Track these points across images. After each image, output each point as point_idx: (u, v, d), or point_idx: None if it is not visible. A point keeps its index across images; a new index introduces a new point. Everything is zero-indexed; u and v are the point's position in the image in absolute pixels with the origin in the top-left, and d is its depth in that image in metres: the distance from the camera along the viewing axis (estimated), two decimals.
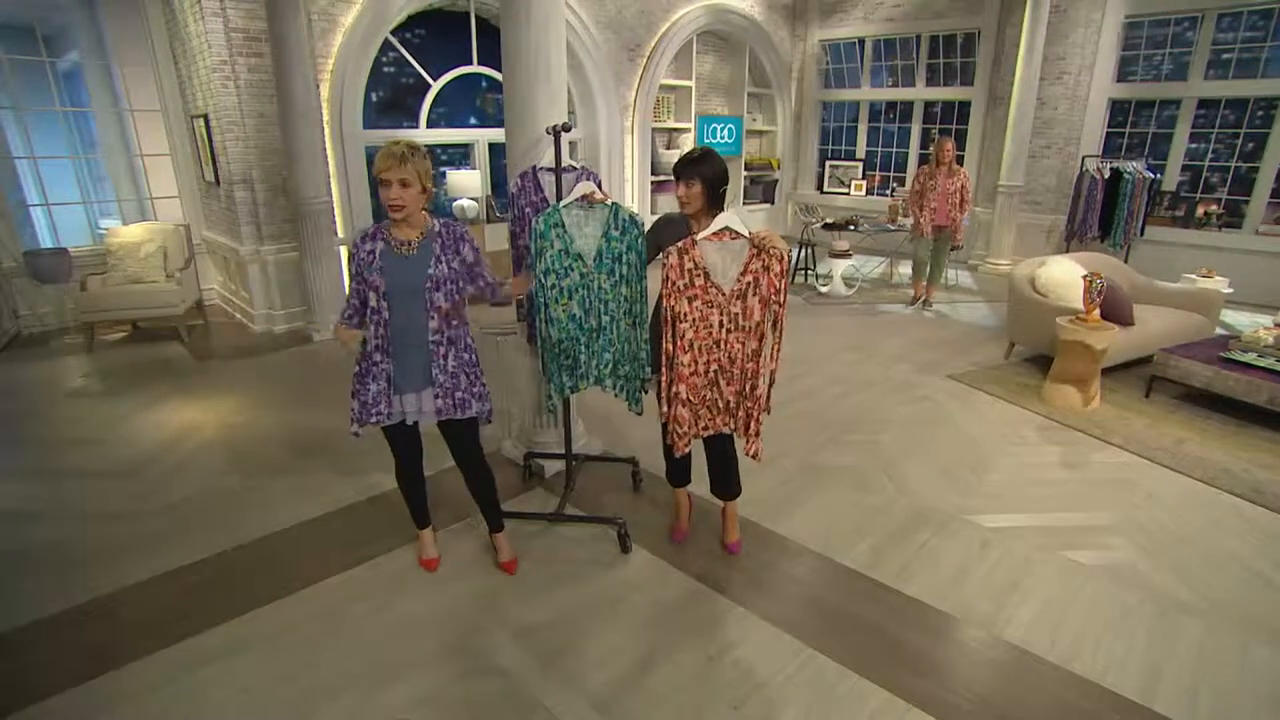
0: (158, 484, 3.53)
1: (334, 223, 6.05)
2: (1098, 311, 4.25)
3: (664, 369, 2.54)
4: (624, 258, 2.60)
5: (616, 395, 2.83)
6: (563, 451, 3.33)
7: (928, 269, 6.75)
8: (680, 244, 2.41)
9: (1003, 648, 2.42)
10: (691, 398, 2.54)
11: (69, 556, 2.94)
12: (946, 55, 9.00)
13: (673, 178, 2.66)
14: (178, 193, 6.79)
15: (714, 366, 2.53)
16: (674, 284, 2.42)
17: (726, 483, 2.88)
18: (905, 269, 7.26)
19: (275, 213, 6.02)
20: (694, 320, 2.46)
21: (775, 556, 2.92)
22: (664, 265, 2.42)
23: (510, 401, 3.83)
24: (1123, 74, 7.73)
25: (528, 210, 3.05)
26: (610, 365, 2.76)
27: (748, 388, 2.55)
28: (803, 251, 7.67)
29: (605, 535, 3.04)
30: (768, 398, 2.58)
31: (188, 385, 4.88)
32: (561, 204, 2.60)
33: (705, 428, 2.63)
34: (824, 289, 7.37)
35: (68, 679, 2.27)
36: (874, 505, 3.32)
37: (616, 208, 2.61)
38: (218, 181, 6.06)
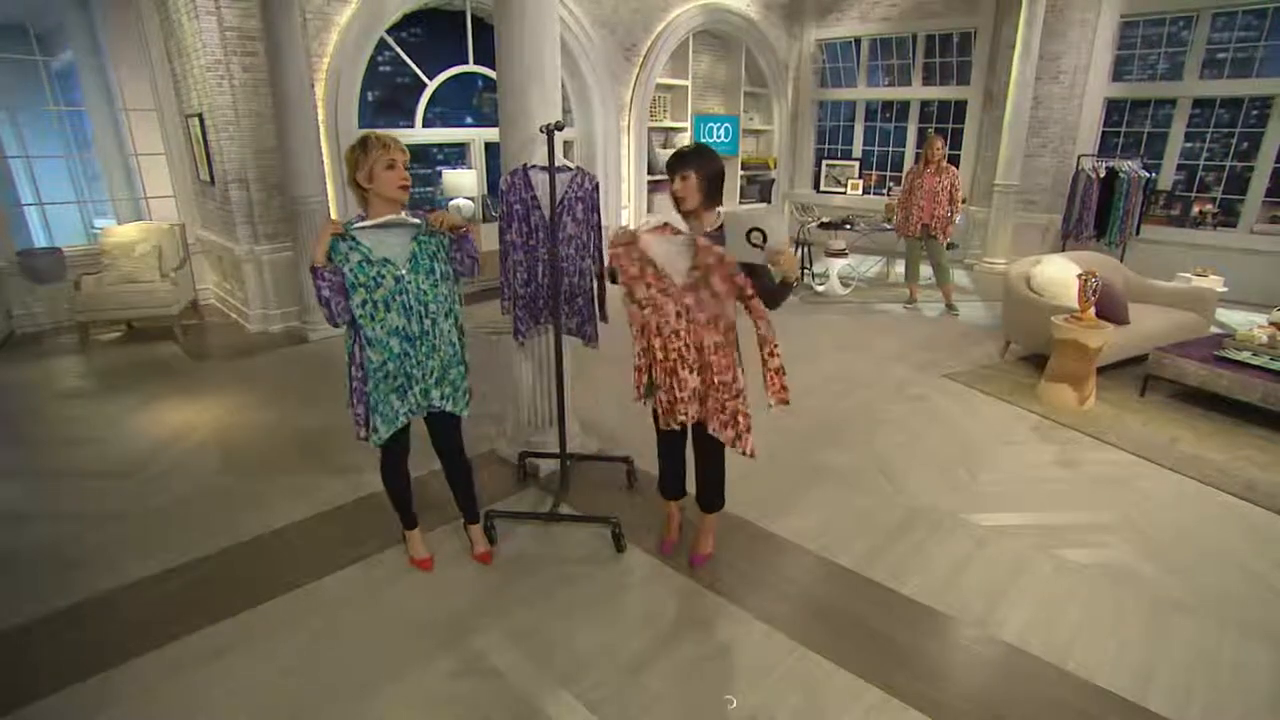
0: (153, 484, 3.52)
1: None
2: (1093, 310, 4.26)
3: (639, 368, 2.59)
4: (439, 255, 2.49)
5: (446, 405, 2.60)
6: (557, 451, 3.33)
7: (918, 270, 6.75)
8: (624, 238, 2.46)
9: (997, 646, 2.42)
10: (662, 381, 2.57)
11: (65, 556, 2.93)
12: (943, 55, 9.01)
13: (666, 175, 2.62)
14: (172, 192, 6.76)
15: (674, 356, 2.50)
16: (626, 269, 2.47)
17: (710, 494, 2.80)
18: (901, 268, 7.27)
19: (270, 212, 6.00)
20: (650, 300, 2.46)
21: (770, 555, 2.93)
22: (612, 257, 2.48)
23: (505, 401, 3.83)
24: (1118, 73, 7.74)
25: (516, 207, 3.07)
26: (436, 372, 2.56)
27: (718, 381, 2.48)
28: (799, 251, 7.68)
29: (600, 534, 3.04)
30: (781, 388, 2.47)
31: (183, 385, 4.87)
32: (354, 226, 2.37)
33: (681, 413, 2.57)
34: (820, 288, 7.37)
35: (65, 678, 2.27)
36: (869, 504, 3.32)
37: (420, 223, 2.46)
38: (212, 181, 6.05)
